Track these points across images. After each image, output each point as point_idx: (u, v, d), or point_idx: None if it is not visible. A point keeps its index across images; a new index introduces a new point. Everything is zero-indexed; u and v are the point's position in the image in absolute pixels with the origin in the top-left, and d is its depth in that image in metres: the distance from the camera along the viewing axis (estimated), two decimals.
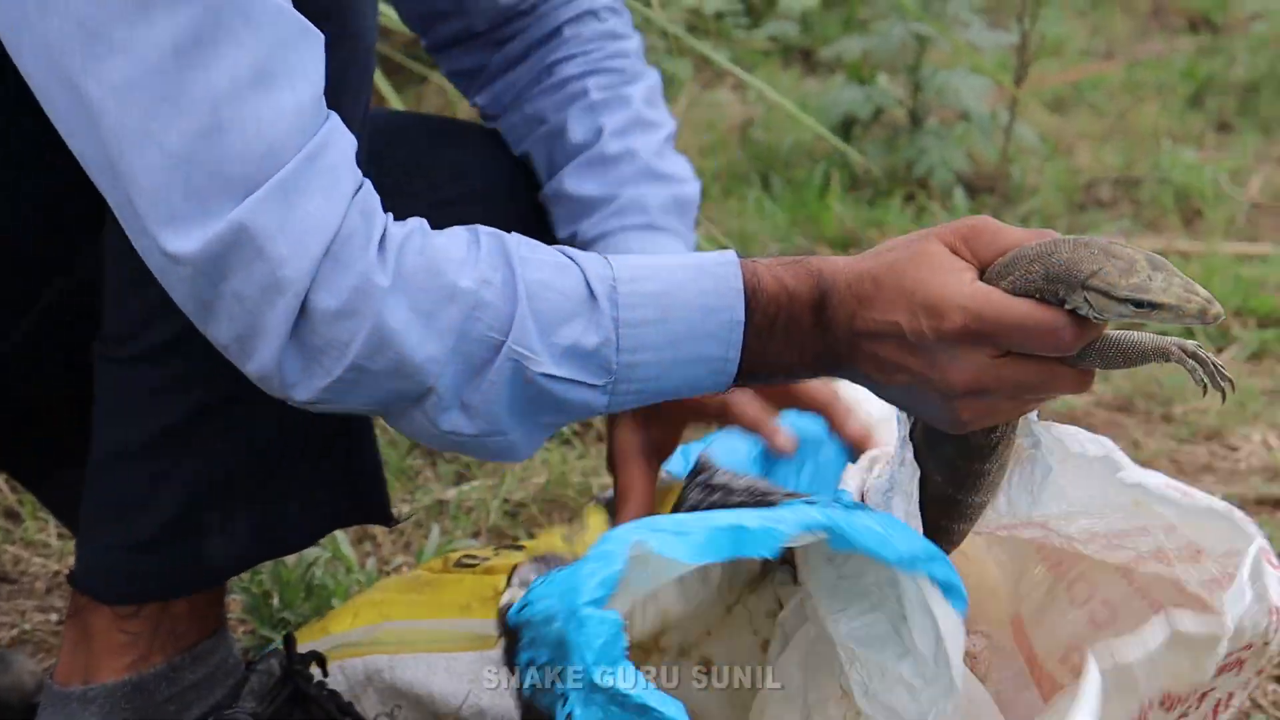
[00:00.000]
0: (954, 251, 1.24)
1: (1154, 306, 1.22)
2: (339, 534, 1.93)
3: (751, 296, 1.26)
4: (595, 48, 1.74)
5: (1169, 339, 1.26)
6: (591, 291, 1.26)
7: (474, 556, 1.69)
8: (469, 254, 1.25)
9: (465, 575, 1.66)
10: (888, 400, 1.32)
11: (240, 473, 1.47)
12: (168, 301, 1.30)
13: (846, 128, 3.08)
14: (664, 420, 1.62)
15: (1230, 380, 1.26)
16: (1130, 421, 2.39)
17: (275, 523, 1.51)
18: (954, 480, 1.36)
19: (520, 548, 1.69)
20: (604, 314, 1.26)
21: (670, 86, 3.17)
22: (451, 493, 2.14)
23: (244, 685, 1.51)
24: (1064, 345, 1.22)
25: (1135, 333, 1.28)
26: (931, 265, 1.23)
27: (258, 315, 1.21)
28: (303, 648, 1.55)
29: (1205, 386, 1.25)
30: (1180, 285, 1.23)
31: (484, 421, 1.28)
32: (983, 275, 1.24)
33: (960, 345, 1.21)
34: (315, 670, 1.58)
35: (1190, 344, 1.26)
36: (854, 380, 1.30)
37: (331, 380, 1.24)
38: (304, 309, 1.21)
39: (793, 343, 1.27)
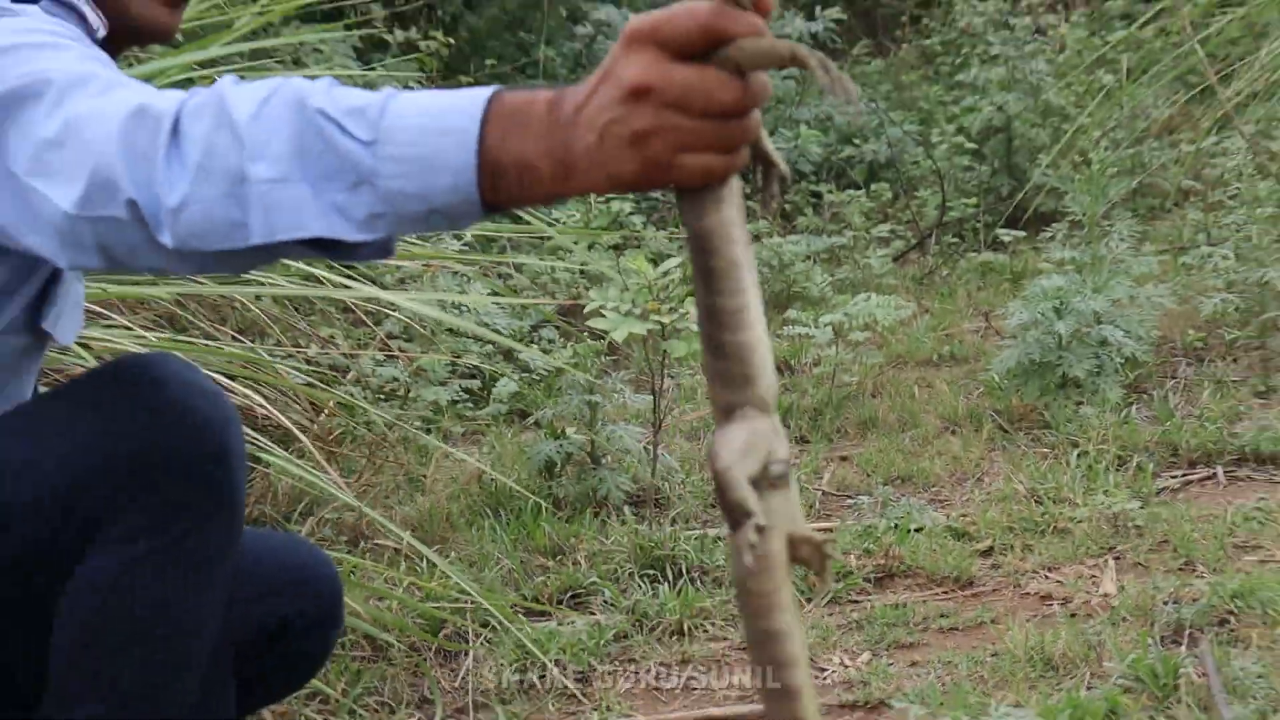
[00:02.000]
0: None
1: None
2: None
3: (495, 94, 1.02)
4: None
5: (808, 49, 0.98)
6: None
7: None
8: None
9: None
10: (602, 153, 0.99)
11: None
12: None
13: (550, 468, 3.11)
14: None
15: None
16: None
17: None
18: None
19: None
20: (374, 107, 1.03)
21: (425, 455, 3.26)
22: None
23: None
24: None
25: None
26: None
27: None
28: None
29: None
30: None
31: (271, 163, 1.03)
32: None
33: (629, 48, 0.98)
34: None
35: (818, 53, 0.99)
36: (575, 153, 0.99)
37: (191, 172, 1.04)
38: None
39: (533, 129, 1.00)
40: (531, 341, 3.50)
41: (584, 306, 3.26)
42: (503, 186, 1.01)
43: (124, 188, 1.06)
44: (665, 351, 3.12)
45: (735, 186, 1.03)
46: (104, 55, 1.25)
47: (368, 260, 1.07)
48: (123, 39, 1.43)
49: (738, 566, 1.05)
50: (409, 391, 3.37)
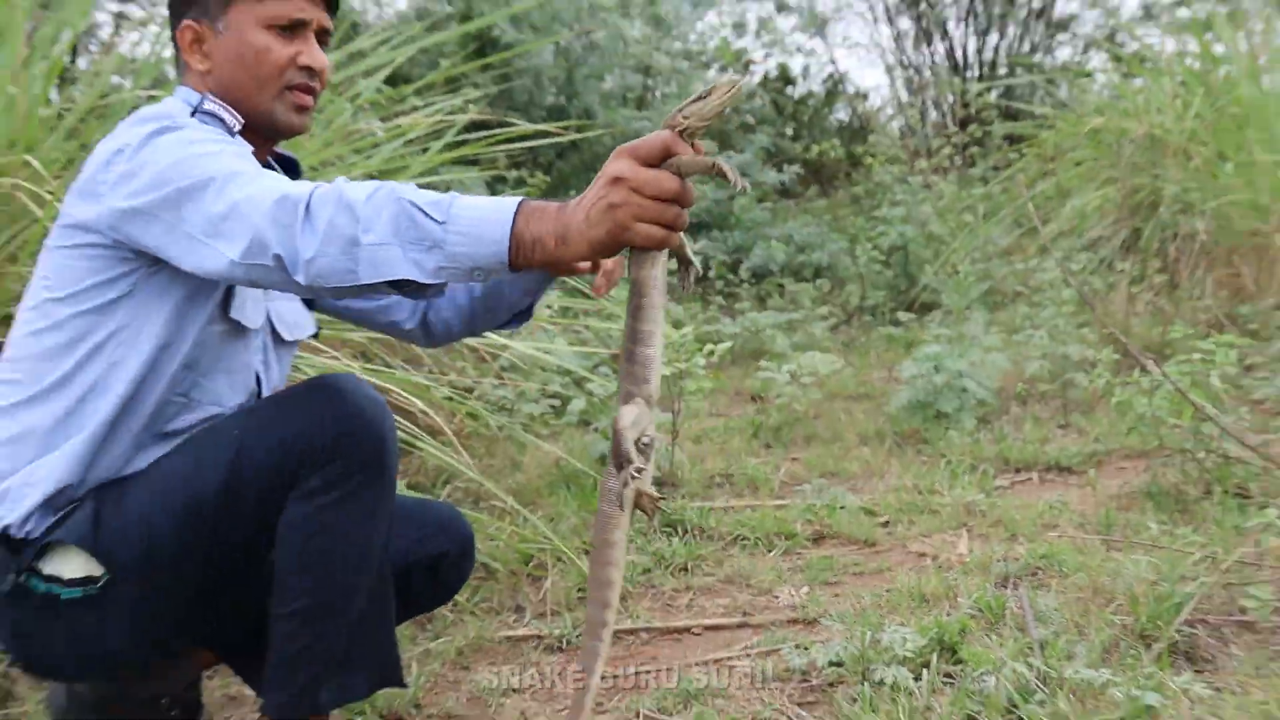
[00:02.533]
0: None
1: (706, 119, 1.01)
2: None
3: (523, 200, 1.06)
4: None
5: (724, 162, 1.01)
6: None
7: None
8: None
9: None
10: (586, 225, 1.02)
11: (335, 662, 1.28)
12: (291, 594, 1.24)
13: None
14: None
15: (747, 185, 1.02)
16: None
17: (350, 684, 1.30)
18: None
19: None
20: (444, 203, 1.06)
21: (523, 448, 3.22)
22: None
23: None
24: (665, 141, 1.03)
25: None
26: None
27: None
28: None
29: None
30: (716, 99, 1.00)
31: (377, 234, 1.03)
32: None
33: (615, 158, 1.03)
34: None
35: (728, 167, 1.01)
36: (570, 229, 1.03)
37: (320, 237, 1.05)
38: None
39: (545, 219, 1.04)
40: (594, 375, 3.48)
41: None
42: (522, 253, 1.04)
43: (272, 246, 1.07)
44: (681, 386, 3.11)
45: (664, 257, 1.06)
46: (247, 149, 1.21)
47: (430, 298, 1.07)
48: (269, 136, 1.36)
49: (602, 495, 1.06)
50: (514, 406, 3.36)
